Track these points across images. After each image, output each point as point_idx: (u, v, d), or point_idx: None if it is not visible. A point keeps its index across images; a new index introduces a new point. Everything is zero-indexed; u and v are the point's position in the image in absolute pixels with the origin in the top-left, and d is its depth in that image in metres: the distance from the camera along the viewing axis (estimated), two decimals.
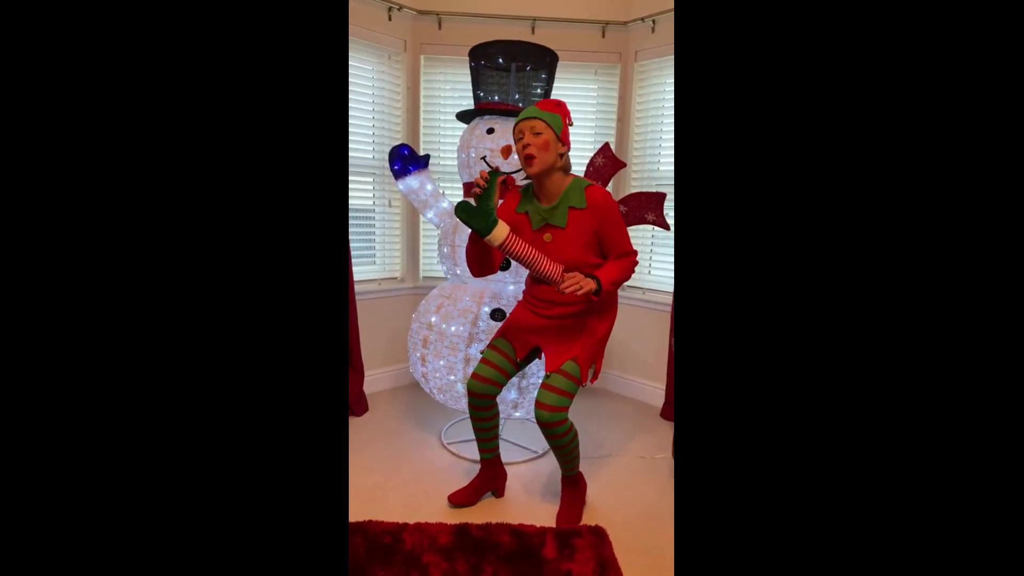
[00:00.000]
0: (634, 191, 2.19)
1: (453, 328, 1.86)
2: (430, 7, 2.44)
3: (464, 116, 2.01)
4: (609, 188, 2.21)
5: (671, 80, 2.40)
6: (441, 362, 1.89)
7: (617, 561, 1.38)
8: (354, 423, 2.23)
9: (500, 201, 1.56)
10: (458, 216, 1.32)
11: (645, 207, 1.87)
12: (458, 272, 1.98)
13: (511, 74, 1.94)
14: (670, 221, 1.93)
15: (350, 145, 2.31)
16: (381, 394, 2.59)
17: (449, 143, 2.58)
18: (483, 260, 1.48)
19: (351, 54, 2.27)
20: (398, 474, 1.82)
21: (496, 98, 1.96)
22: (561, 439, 1.48)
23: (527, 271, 1.74)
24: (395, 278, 2.66)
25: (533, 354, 1.64)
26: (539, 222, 1.48)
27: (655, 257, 2.57)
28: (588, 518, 1.59)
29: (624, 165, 1.95)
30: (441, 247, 2.02)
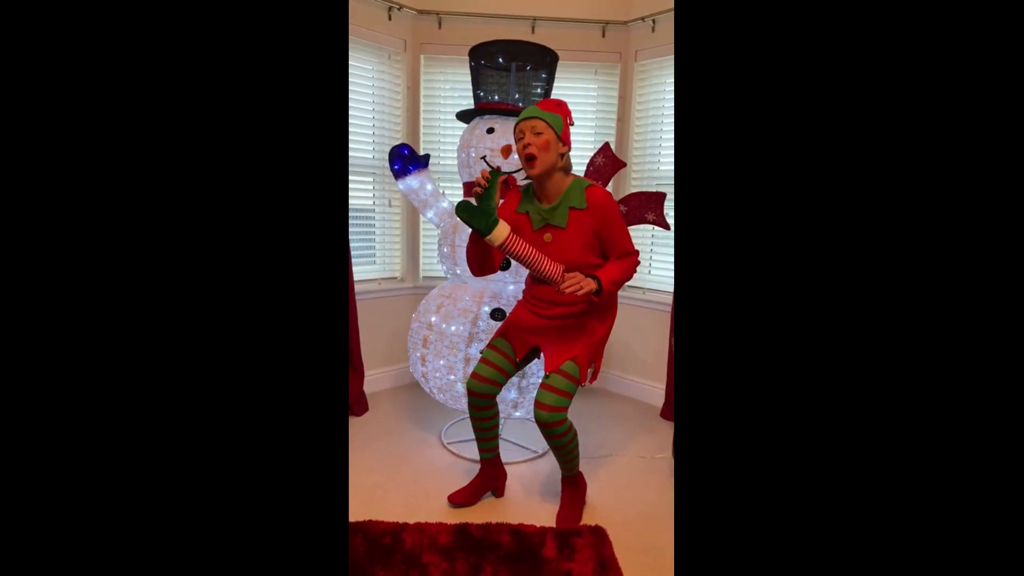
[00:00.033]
0: (634, 191, 2.19)
1: (453, 328, 1.86)
2: (430, 7, 2.44)
3: (464, 116, 2.01)
4: (609, 188, 2.21)
5: (671, 80, 2.40)
6: (441, 362, 1.89)
7: (617, 561, 1.38)
8: (354, 423, 2.23)
9: (501, 201, 1.56)
10: (459, 215, 1.31)
11: (645, 207, 1.87)
12: (458, 272, 1.98)
13: (511, 74, 1.94)
14: (670, 221, 1.93)
15: (350, 145, 2.31)
16: (381, 394, 2.59)
17: (449, 143, 2.58)
18: (483, 260, 1.48)
19: (351, 54, 2.27)
20: (398, 474, 1.82)
21: (496, 98, 1.96)
22: (560, 439, 1.48)
23: (527, 271, 1.74)
24: (395, 278, 2.66)
25: (532, 354, 1.64)
26: (539, 222, 1.48)
27: (655, 257, 2.57)
28: (588, 518, 1.59)
29: (624, 165, 1.95)
30: (441, 247, 2.02)
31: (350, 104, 2.28)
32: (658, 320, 2.51)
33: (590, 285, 1.31)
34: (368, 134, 2.43)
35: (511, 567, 1.34)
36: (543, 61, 1.93)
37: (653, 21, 2.39)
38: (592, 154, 1.96)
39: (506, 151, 1.53)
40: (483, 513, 1.60)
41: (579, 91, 2.57)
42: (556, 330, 1.54)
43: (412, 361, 2.03)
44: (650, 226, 1.95)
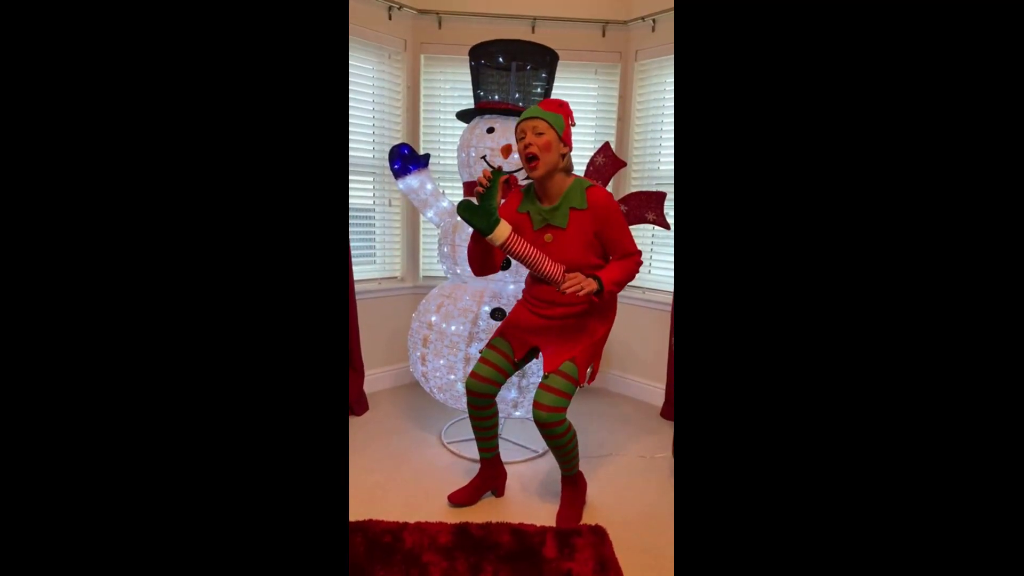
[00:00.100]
0: (634, 190, 2.19)
1: (453, 327, 1.86)
2: (430, 6, 2.44)
3: (464, 115, 2.01)
4: (609, 187, 2.21)
5: (671, 79, 2.40)
6: (441, 361, 1.89)
7: (617, 560, 1.38)
8: (354, 423, 2.24)
9: (502, 200, 1.56)
10: (460, 215, 1.31)
11: (645, 206, 1.87)
12: (458, 271, 1.98)
13: (511, 73, 1.94)
14: (670, 220, 1.93)
15: (350, 145, 2.31)
16: (381, 393, 2.59)
17: (449, 142, 2.58)
18: (484, 259, 1.48)
19: (351, 53, 2.27)
20: (398, 473, 1.82)
21: (496, 97, 1.96)
22: (559, 439, 1.48)
23: (527, 270, 1.74)
24: (395, 277, 2.66)
25: (532, 354, 1.63)
26: (540, 222, 1.48)
27: (655, 257, 2.57)
28: (588, 517, 1.59)
29: (624, 164, 1.95)
30: (441, 246, 2.02)
31: (350, 104, 2.28)
32: (658, 320, 2.51)
33: (591, 285, 1.31)
34: (368, 134, 2.43)
35: (511, 567, 1.34)
36: (543, 61, 1.93)
37: (653, 21, 2.39)
38: (592, 154, 1.96)
39: (506, 151, 1.52)
40: (483, 513, 1.60)
41: (579, 91, 2.57)
42: (556, 330, 1.54)
43: (412, 361, 2.03)
44: (650, 226, 1.95)
